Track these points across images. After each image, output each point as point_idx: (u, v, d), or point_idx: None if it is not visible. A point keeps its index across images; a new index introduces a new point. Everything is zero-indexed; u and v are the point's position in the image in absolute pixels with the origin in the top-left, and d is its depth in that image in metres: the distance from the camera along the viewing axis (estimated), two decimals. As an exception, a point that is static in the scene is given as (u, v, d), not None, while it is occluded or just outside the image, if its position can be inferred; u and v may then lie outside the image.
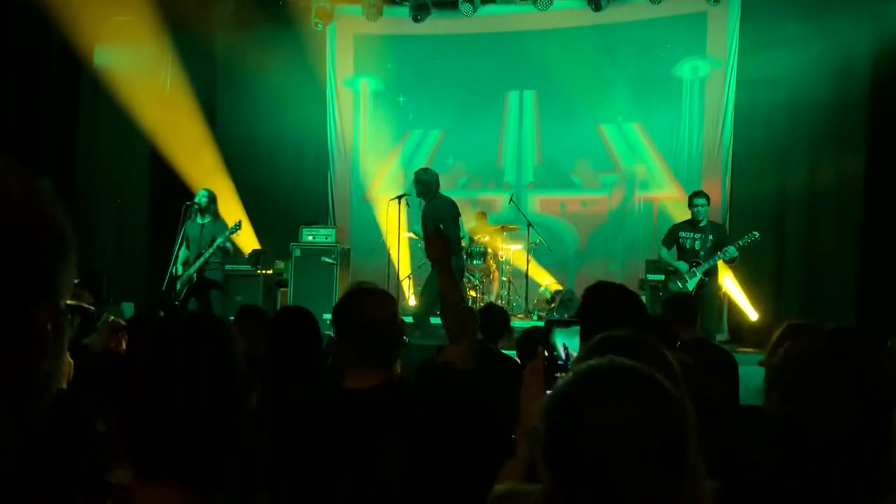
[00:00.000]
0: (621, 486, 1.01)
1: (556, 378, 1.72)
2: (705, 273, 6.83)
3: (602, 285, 2.30)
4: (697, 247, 6.90)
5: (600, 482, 1.01)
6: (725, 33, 9.14)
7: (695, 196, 7.02)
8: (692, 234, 6.95)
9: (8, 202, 0.65)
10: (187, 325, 1.15)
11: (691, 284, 6.84)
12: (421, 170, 6.98)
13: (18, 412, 0.65)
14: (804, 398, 1.93)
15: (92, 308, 4.07)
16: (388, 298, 2.18)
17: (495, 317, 4.55)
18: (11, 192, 0.66)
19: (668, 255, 7.09)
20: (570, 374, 1.11)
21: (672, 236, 7.10)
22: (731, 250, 6.76)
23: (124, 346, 3.15)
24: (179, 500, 1.01)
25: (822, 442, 1.86)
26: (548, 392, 1.63)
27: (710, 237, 6.90)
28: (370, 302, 2.08)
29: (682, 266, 6.88)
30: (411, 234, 7.00)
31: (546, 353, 1.77)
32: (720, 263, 6.96)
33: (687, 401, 1.10)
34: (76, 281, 0.75)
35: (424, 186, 6.71)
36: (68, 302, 0.71)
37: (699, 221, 6.92)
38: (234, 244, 7.61)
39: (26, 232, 0.65)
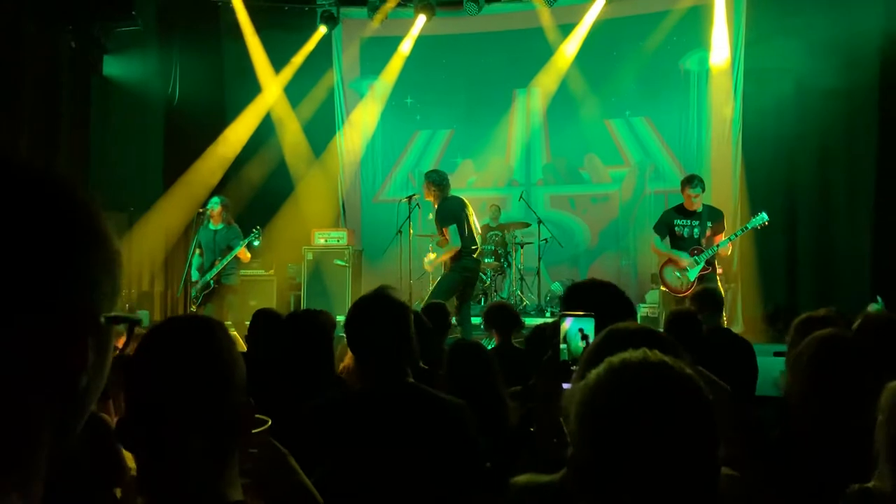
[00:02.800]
0: (653, 482, 1.01)
1: (572, 369, 1.73)
2: (707, 262, 6.42)
3: (580, 285, 2.31)
4: (696, 235, 6.46)
5: (633, 478, 1.01)
6: (732, 24, 9.07)
7: (689, 184, 6.47)
8: (688, 220, 6.48)
9: (45, 195, 0.61)
10: (185, 326, 1.32)
11: (692, 274, 6.40)
12: (430, 171, 6.98)
13: (56, 425, 0.61)
14: (826, 385, 1.94)
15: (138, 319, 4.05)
16: (404, 307, 2.23)
17: (507, 313, 4.60)
18: (59, 191, 0.62)
19: (663, 244, 6.60)
20: (605, 366, 1.09)
21: (666, 224, 6.61)
22: (732, 236, 6.55)
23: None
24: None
25: (841, 426, 1.87)
26: (569, 384, 1.63)
27: (708, 223, 6.47)
28: (385, 313, 2.16)
29: (684, 255, 6.44)
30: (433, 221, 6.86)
31: (555, 347, 1.79)
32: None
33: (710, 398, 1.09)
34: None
35: (434, 188, 6.71)
36: (114, 314, 0.65)
37: (695, 208, 6.48)
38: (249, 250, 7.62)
39: (61, 226, 0.61)
